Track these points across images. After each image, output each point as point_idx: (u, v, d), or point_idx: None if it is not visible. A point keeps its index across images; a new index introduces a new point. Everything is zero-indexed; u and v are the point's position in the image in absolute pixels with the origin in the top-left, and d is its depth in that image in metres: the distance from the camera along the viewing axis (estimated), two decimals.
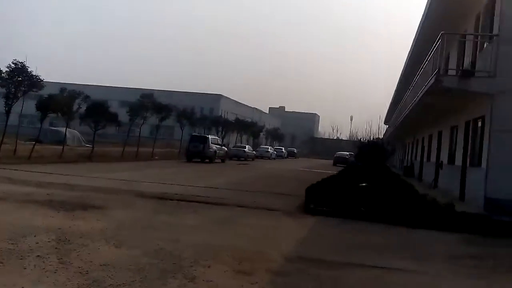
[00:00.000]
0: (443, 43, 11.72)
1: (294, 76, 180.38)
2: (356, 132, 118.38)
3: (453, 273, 6.04)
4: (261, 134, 70.30)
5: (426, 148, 23.95)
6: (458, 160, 14.85)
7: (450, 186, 15.70)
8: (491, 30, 12.67)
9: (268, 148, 57.92)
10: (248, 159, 44.62)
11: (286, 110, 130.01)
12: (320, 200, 11.56)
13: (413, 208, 10.45)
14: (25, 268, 4.81)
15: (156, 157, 32.25)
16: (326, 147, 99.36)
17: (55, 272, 4.75)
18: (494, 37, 11.41)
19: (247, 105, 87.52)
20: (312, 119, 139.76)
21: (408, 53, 25.72)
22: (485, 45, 13.24)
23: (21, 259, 5.12)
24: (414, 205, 10.68)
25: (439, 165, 18.30)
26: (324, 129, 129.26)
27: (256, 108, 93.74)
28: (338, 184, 14.61)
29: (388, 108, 55.98)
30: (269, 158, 54.46)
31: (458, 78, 11.47)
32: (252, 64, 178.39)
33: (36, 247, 5.67)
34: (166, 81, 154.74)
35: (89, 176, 15.10)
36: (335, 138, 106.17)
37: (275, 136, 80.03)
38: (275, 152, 59.71)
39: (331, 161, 62.24)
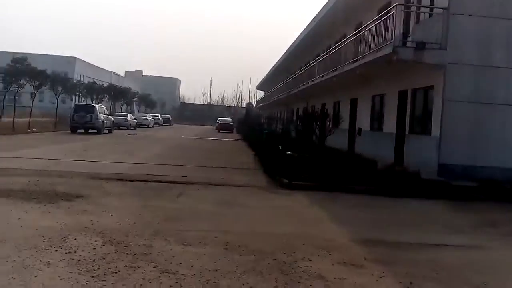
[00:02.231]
0: (396, 14, 12.43)
1: (153, 38, 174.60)
2: (223, 96, 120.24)
3: (502, 244, 6.70)
4: (134, 100, 67.45)
5: (331, 115, 25.39)
6: (389, 128, 16.16)
7: (374, 151, 16.82)
8: (432, 2, 13.82)
9: (146, 116, 55.90)
10: (131, 128, 42.61)
11: (144, 74, 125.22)
12: (281, 172, 11.74)
13: (383, 178, 11.22)
14: None
15: (34, 129, 29.01)
16: (196, 112, 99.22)
17: None
18: (443, 10, 12.45)
19: (104, 69, 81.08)
20: (174, 83, 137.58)
21: (313, 22, 26.65)
22: (421, 17, 14.40)
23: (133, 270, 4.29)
24: (383, 175, 11.48)
25: (357, 131, 19.70)
26: (184, 93, 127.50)
27: (113, 72, 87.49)
28: (275, 154, 14.86)
29: (267, 75, 58.01)
30: (147, 126, 52.73)
31: (413, 50, 12.34)
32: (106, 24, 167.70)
33: (113, 257, 4.75)
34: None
35: None
36: (206, 103, 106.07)
37: (148, 102, 77.33)
38: (153, 119, 57.88)
39: (210, 127, 62.86)
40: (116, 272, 4.30)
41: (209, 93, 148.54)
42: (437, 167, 12.31)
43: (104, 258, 4.69)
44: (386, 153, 15.69)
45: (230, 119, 54.36)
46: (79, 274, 4.21)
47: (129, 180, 10.31)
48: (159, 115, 66.65)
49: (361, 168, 12.16)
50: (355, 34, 17.02)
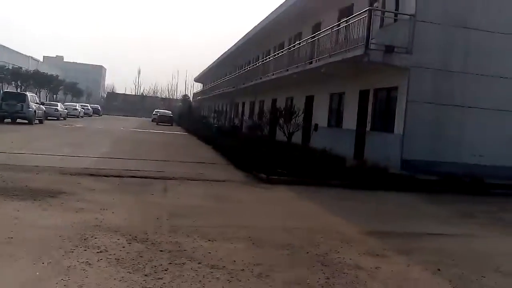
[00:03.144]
0: (369, 19, 13.04)
1: (75, 22, 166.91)
2: (155, 87, 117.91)
3: (489, 233, 7.37)
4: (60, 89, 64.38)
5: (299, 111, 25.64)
6: (349, 124, 16.87)
7: (331, 146, 17.27)
8: (397, 8, 14.59)
9: (76, 106, 53.40)
10: (60, 119, 40.64)
11: (65, 60, 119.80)
12: (254, 167, 11.98)
13: (354, 172, 11.74)
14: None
15: None
16: (127, 103, 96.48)
17: None
18: (410, 17, 13.22)
19: (20, 53, 74.33)
20: (98, 71, 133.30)
21: (268, 18, 26.91)
22: (385, 22, 15.16)
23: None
24: (353, 170, 11.99)
25: (314, 127, 20.30)
26: (110, 83, 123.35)
27: (32, 57, 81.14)
28: (241, 149, 15.01)
29: (208, 67, 57.81)
30: (77, 116, 50.52)
31: (382, 53, 12.99)
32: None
33: (151, 256, 4.66)
34: None
35: None
36: (138, 94, 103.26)
37: (74, 91, 74.11)
38: (83, 110, 55.48)
39: (144, 120, 61.70)
40: (166, 270, 4.27)
41: (137, 83, 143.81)
42: (400, 163, 13.09)
43: (141, 257, 4.61)
44: (344, 149, 16.33)
45: (169, 112, 53.20)
46: (130, 273, 4.13)
47: (102, 175, 9.95)
48: (88, 105, 63.98)
49: (330, 163, 12.63)
50: (318, 34, 17.53)
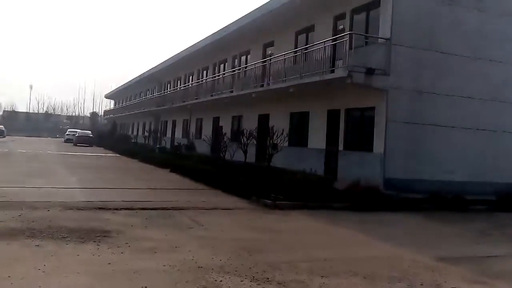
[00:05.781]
0: (350, 42, 13.85)
1: None
2: (54, 104, 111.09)
3: None
4: None
5: (230, 129, 25.85)
6: (316, 144, 17.56)
7: (295, 165, 17.78)
8: (366, 31, 15.60)
9: None
10: None
11: None
12: (247, 192, 12.22)
13: (348, 194, 12.30)
14: None
15: None
16: (30, 123, 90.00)
17: None
18: (386, 40, 14.24)
19: None
20: None
21: (210, 38, 27.07)
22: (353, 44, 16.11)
23: None
24: (346, 192, 12.53)
25: (272, 147, 20.71)
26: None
27: None
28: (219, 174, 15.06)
29: (123, 85, 56.55)
30: None
31: (363, 75, 13.81)
32: None
33: None
34: None
35: None
36: (42, 112, 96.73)
37: None
38: None
39: (53, 140, 58.79)
40: None
41: (29, 100, 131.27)
42: (383, 182, 13.87)
43: None
44: (312, 168, 16.86)
45: (89, 132, 50.10)
46: None
47: (114, 209, 9.55)
48: None
49: (318, 185, 13.02)
50: (285, 55, 18.15)
